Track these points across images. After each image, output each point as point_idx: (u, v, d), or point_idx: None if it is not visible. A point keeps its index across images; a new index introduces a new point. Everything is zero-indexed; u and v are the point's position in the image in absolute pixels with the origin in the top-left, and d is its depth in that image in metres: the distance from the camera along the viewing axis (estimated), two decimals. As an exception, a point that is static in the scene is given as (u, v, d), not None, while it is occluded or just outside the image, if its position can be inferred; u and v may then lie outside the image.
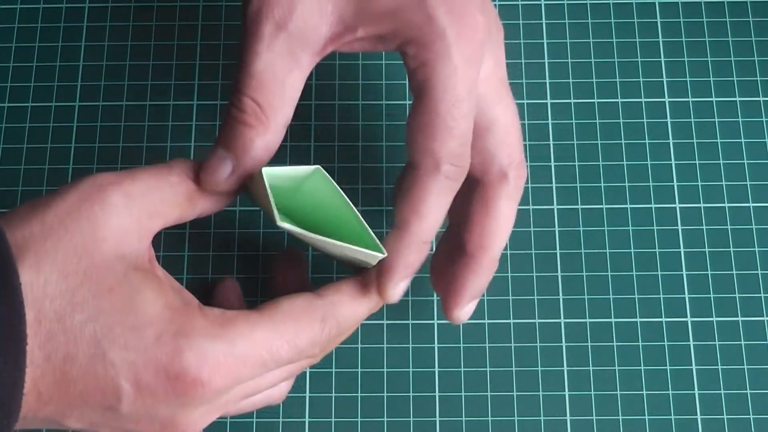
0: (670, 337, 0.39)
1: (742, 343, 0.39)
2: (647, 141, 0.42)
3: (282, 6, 0.30)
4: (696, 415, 0.38)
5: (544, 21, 0.44)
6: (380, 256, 0.31)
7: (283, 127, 0.31)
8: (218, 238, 0.40)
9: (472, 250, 0.34)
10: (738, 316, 0.39)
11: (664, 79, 0.43)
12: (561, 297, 0.40)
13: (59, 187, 0.29)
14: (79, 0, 0.44)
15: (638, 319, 0.39)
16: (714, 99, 0.42)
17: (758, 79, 0.43)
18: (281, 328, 0.30)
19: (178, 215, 0.31)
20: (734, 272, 0.40)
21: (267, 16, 0.30)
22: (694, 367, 0.39)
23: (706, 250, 0.40)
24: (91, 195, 0.29)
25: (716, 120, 0.42)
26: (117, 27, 0.44)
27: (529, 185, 0.41)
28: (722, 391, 0.38)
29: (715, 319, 0.39)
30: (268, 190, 0.29)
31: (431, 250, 0.38)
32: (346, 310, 0.32)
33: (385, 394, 0.38)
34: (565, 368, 0.39)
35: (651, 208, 0.41)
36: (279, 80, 0.30)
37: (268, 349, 0.29)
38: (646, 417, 0.38)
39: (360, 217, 0.31)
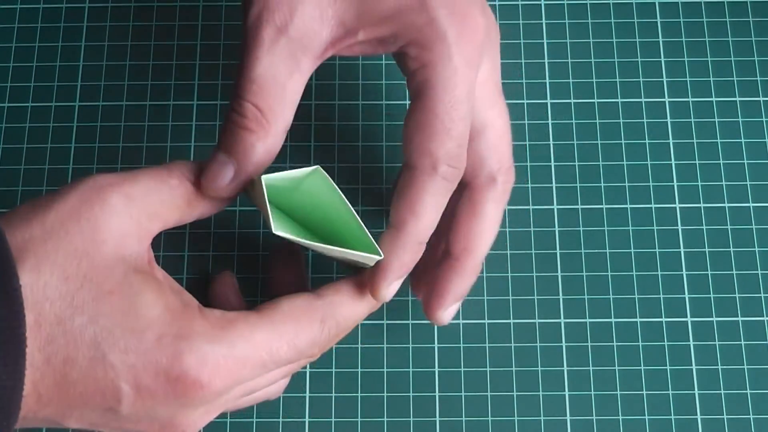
0: (670, 337, 0.39)
1: (742, 343, 0.39)
2: (647, 141, 0.42)
3: (282, 10, 0.30)
4: (696, 415, 0.38)
5: (544, 21, 0.44)
6: (377, 258, 0.31)
7: (284, 131, 0.31)
8: (218, 238, 0.40)
9: (457, 253, 0.34)
10: (738, 316, 0.39)
11: (664, 79, 0.43)
12: (561, 297, 0.40)
13: (59, 188, 0.29)
14: (79, 0, 0.44)
15: (638, 319, 0.39)
16: (714, 99, 0.42)
17: (758, 79, 0.43)
18: (281, 329, 0.30)
19: (177, 218, 0.31)
20: (734, 272, 0.40)
21: (267, 21, 0.30)
22: (694, 367, 0.39)
23: (706, 250, 0.40)
24: (92, 196, 0.29)
25: (716, 120, 0.42)
26: (117, 27, 0.44)
27: (529, 185, 0.41)
28: (722, 391, 0.38)
29: (715, 319, 0.39)
30: (266, 198, 0.29)
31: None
32: (345, 310, 0.32)
33: (385, 394, 0.38)
34: (565, 368, 0.39)
35: (651, 208, 0.41)
36: (280, 85, 0.30)
37: (267, 351, 0.29)
38: (646, 417, 0.38)
39: (358, 218, 0.30)
